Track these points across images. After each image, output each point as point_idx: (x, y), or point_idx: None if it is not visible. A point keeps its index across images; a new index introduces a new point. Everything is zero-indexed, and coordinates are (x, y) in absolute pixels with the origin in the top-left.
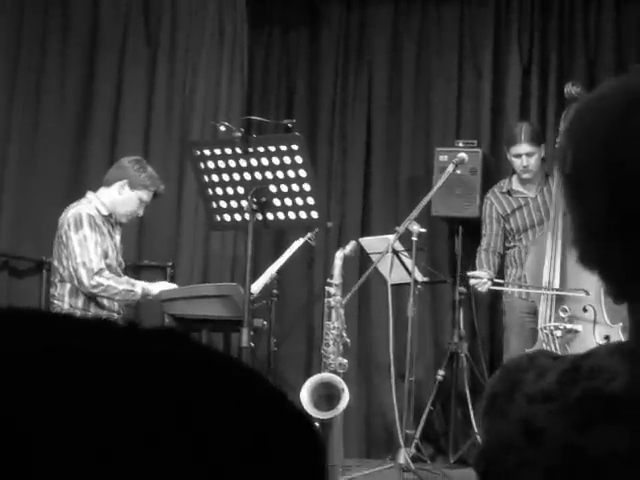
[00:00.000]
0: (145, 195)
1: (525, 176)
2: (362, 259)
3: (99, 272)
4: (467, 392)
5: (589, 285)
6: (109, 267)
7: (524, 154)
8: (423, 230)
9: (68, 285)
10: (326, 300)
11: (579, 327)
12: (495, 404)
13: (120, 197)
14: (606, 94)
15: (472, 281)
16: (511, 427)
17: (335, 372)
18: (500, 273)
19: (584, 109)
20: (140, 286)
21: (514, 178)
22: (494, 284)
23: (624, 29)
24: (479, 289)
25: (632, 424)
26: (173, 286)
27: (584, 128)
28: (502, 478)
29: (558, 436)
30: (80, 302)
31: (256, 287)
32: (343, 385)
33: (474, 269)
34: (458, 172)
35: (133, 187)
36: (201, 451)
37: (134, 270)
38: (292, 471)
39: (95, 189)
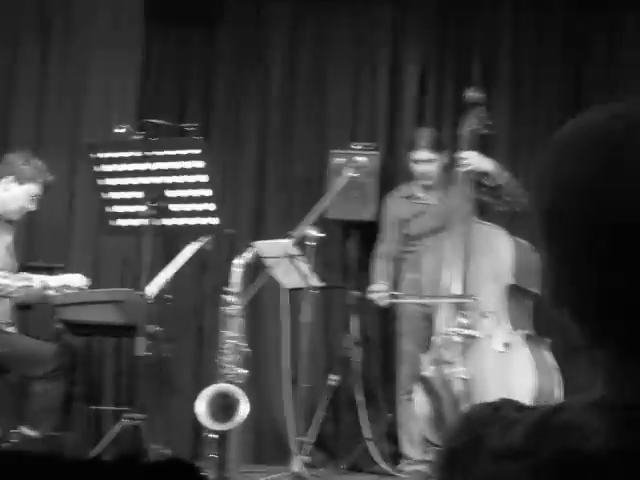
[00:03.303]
0: (34, 188)
1: (425, 183)
2: (256, 263)
3: None
4: (359, 398)
5: (490, 291)
6: None
7: (424, 160)
8: (319, 235)
9: None
10: (223, 308)
11: (478, 333)
12: (455, 460)
13: (8, 194)
14: (592, 130)
15: (372, 296)
16: None
17: (232, 382)
18: (396, 276)
19: (568, 142)
20: (38, 279)
21: (415, 183)
22: (393, 297)
23: (522, 34)
24: (380, 303)
25: None
26: (76, 279)
27: (567, 165)
28: None
29: None
30: None
31: (151, 292)
32: (242, 396)
33: (369, 276)
34: (354, 175)
35: (21, 181)
36: None
37: (24, 271)
38: None
39: None
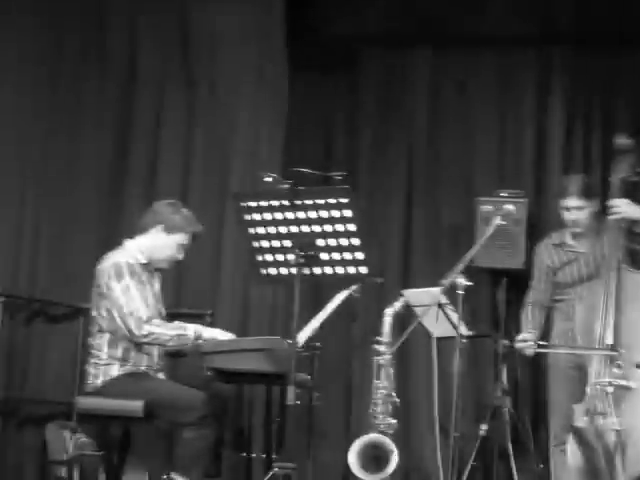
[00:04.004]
0: (182, 238)
1: (575, 230)
2: (405, 312)
3: (148, 320)
4: (510, 447)
5: None
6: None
7: (574, 208)
8: (469, 283)
9: (107, 335)
10: (375, 358)
11: (633, 384)
12: None
13: (157, 242)
14: None
15: (518, 345)
16: None
17: (383, 433)
18: (546, 324)
19: None
20: (192, 329)
21: (566, 231)
22: (540, 346)
23: None
24: (526, 352)
25: None
26: (228, 335)
27: None
28: None
29: None
30: (119, 352)
31: (300, 340)
32: (393, 447)
33: (518, 323)
34: (502, 223)
35: (169, 231)
36: None
37: (172, 318)
38: None
39: (132, 236)
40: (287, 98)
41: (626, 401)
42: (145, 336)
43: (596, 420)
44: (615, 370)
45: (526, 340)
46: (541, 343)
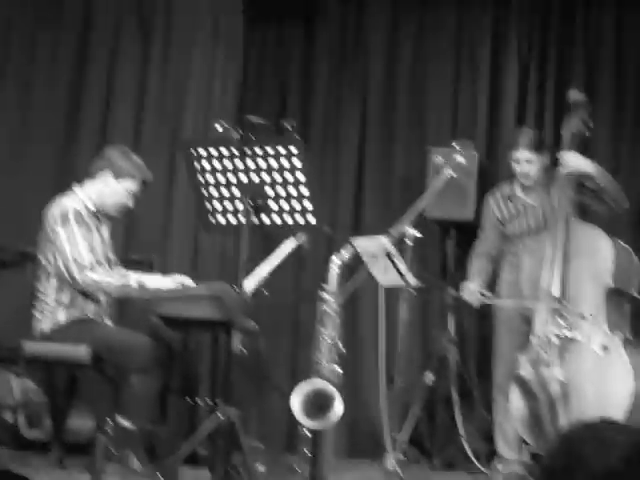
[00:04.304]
0: (132, 185)
1: (525, 182)
2: (354, 261)
3: (91, 267)
4: (454, 396)
5: (589, 293)
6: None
7: (524, 160)
8: (417, 234)
9: (53, 280)
10: (321, 307)
11: (577, 335)
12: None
13: (106, 189)
14: None
15: (464, 293)
16: None
17: (327, 379)
18: (494, 275)
19: None
20: (135, 279)
21: (516, 183)
22: (485, 296)
23: (624, 35)
24: (472, 303)
25: None
26: (171, 284)
27: None
28: None
29: None
30: (66, 297)
31: (247, 287)
32: (336, 394)
33: (466, 274)
34: (452, 174)
35: (118, 177)
36: None
37: (123, 265)
38: None
39: (80, 182)
40: (242, 48)
41: (570, 352)
42: (87, 283)
43: (540, 370)
44: (560, 321)
45: (470, 289)
46: (486, 293)
